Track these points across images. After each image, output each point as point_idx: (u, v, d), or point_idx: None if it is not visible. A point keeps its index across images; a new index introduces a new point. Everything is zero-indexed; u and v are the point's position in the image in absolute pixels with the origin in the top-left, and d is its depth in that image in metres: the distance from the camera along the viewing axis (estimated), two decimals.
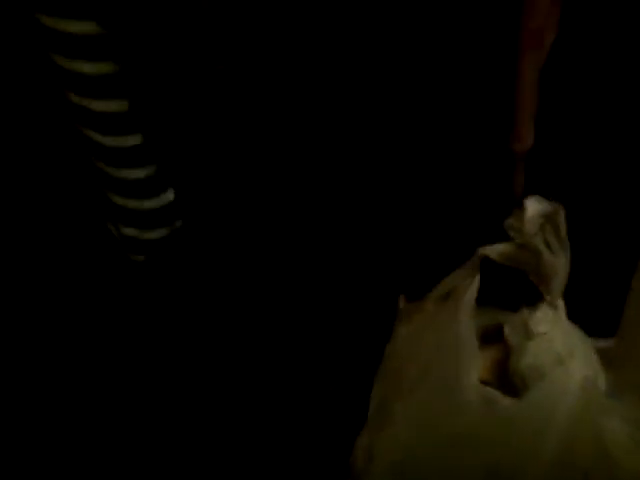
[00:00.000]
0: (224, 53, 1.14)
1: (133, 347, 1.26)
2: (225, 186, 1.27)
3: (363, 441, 1.00)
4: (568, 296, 0.95)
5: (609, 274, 1.08)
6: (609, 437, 0.90)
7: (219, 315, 1.27)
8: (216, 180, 1.27)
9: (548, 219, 0.94)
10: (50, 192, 1.34)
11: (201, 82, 1.17)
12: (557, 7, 0.96)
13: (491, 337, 0.98)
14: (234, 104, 1.19)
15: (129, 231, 1.32)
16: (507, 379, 0.95)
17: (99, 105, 1.19)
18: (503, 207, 0.95)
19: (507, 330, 0.97)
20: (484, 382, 0.94)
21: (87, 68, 1.16)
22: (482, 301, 0.97)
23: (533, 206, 0.95)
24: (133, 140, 1.23)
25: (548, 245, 0.94)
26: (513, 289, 0.98)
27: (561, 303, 0.95)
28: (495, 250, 0.96)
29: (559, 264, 0.94)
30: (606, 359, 0.94)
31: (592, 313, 0.97)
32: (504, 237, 0.96)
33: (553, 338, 0.94)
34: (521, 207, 0.95)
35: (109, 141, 1.22)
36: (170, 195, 1.30)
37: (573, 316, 0.96)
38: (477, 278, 0.96)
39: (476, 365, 0.93)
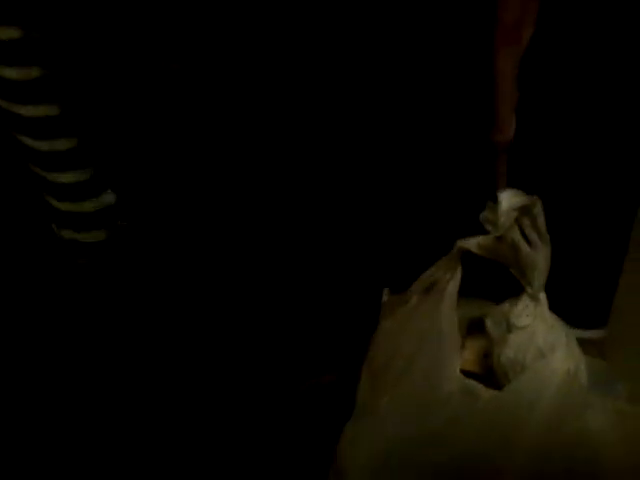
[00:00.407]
0: (178, 52, 1.13)
1: (74, 350, 1.25)
2: (167, 187, 1.26)
3: (349, 431, 1.00)
4: (552, 288, 0.96)
5: (593, 266, 1.09)
6: (591, 430, 0.92)
7: (166, 317, 1.27)
8: (158, 181, 1.26)
9: (524, 212, 0.96)
10: None
11: (145, 81, 1.16)
12: (534, 2, 0.97)
13: (476, 328, 0.99)
14: (185, 103, 1.18)
15: (67, 233, 1.31)
16: (491, 371, 0.96)
17: (28, 110, 1.19)
18: (486, 199, 0.95)
19: (489, 323, 0.98)
20: (469, 373, 0.95)
21: (12, 73, 1.15)
22: (468, 292, 0.98)
23: (508, 199, 0.96)
24: (67, 144, 1.22)
25: (526, 238, 0.95)
26: (498, 280, 0.99)
27: (543, 296, 0.96)
28: (474, 243, 0.97)
29: (538, 257, 0.95)
30: (594, 349, 0.94)
31: (577, 305, 0.98)
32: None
33: (534, 331, 0.95)
34: (495, 200, 0.95)
35: (42, 145, 1.22)
36: (109, 197, 1.29)
37: (556, 308, 0.96)
38: (459, 270, 0.97)
39: (458, 357, 0.94)
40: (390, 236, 1.21)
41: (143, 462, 1.15)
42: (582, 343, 0.96)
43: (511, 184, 0.99)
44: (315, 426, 1.15)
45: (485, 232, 0.96)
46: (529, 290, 0.96)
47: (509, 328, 0.95)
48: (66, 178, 1.24)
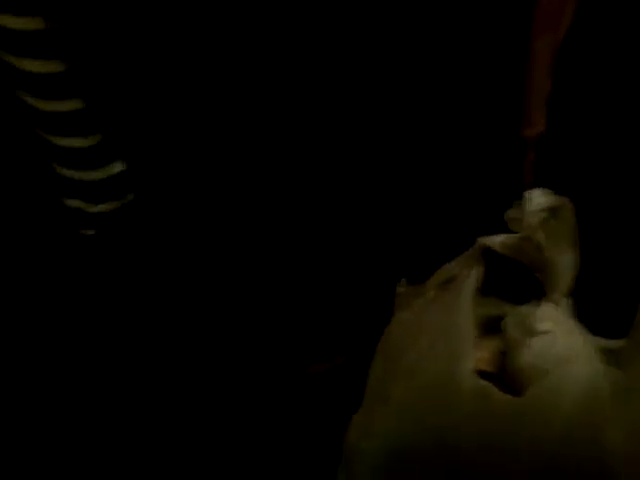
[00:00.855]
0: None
1: (80, 325, 1.24)
2: (178, 159, 1.24)
3: (358, 421, 0.99)
4: (580, 294, 0.95)
5: (623, 273, 1.07)
6: (608, 442, 0.90)
7: (173, 294, 1.25)
8: (169, 151, 1.24)
9: (553, 213, 0.94)
10: None
11: (155, 43, 1.14)
12: None
13: (495, 328, 0.97)
14: (193, 64, 1.16)
15: (74, 203, 1.28)
16: (506, 373, 0.94)
17: (33, 65, 1.15)
18: (512, 197, 0.93)
19: (507, 324, 0.96)
20: (483, 373, 0.94)
21: (15, 24, 1.12)
22: (487, 291, 0.97)
23: (536, 199, 0.94)
24: (72, 105, 1.19)
25: (552, 240, 0.93)
26: (520, 281, 0.98)
27: (565, 301, 0.94)
28: (497, 241, 0.95)
29: (564, 261, 0.94)
30: (615, 359, 0.92)
31: (604, 312, 0.95)
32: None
33: (555, 337, 0.93)
34: (523, 199, 0.93)
35: (45, 105, 1.18)
36: (118, 166, 1.26)
37: (583, 315, 0.95)
38: (479, 267, 0.96)
39: (473, 355, 0.93)
40: (411, 227, 1.20)
41: (144, 452, 1.15)
42: (602, 352, 0.93)
43: (538, 183, 0.96)
44: (323, 411, 1.15)
45: (509, 231, 0.94)
46: (552, 295, 0.94)
47: (529, 331, 0.93)
48: (72, 143, 1.21)
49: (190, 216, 1.25)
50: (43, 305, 1.26)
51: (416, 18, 1.04)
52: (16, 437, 1.17)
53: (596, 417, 0.90)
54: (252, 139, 1.19)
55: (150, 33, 1.12)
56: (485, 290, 0.96)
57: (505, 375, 0.94)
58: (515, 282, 0.98)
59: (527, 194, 0.93)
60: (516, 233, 0.94)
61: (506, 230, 0.95)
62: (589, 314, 0.95)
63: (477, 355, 0.94)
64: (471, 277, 0.95)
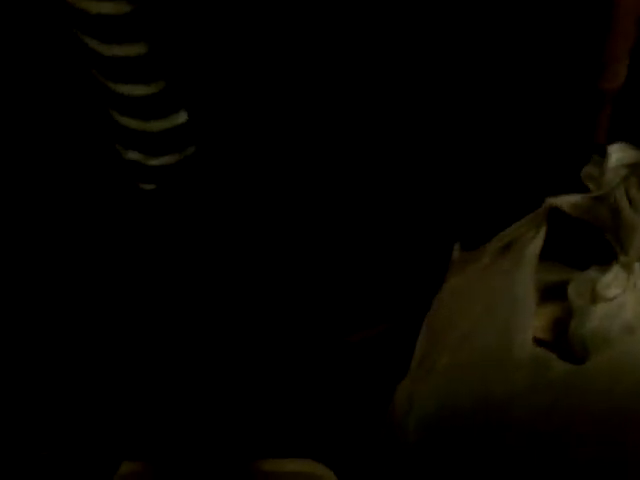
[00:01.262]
0: None
1: (137, 287, 1.24)
2: (245, 110, 1.20)
3: (403, 390, 0.97)
4: None
5: None
6: None
7: (231, 255, 1.24)
8: (235, 102, 1.20)
9: (633, 170, 0.89)
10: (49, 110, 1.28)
11: None
12: None
13: (553, 294, 0.94)
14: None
15: (133, 155, 1.26)
16: (566, 341, 0.91)
17: (99, 6, 1.12)
18: (583, 154, 0.89)
19: (571, 290, 0.92)
20: (539, 341, 0.91)
21: None
22: (547, 256, 0.93)
23: (617, 154, 0.91)
24: (136, 49, 1.16)
25: (630, 200, 0.89)
26: (584, 246, 0.94)
27: (638, 266, 0.88)
28: (567, 201, 0.92)
29: None
30: None
31: None
32: (581, 188, 0.92)
33: (624, 303, 0.89)
34: (602, 154, 0.89)
35: (108, 49, 1.16)
36: (181, 117, 1.23)
37: None
38: (543, 230, 0.92)
39: (531, 323, 0.90)
40: (469, 187, 1.16)
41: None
42: None
43: (615, 139, 0.92)
44: (362, 380, 1.13)
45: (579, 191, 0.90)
46: (623, 258, 0.89)
47: (594, 298, 0.89)
48: (134, 90, 1.19)
49: (253, 169, 1.23)
50: (98, 266, 1.26)
51: None
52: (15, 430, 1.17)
53: None
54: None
55: None
56: (543, 254, 0.92)
57: (564, 343, 0.91)
58: (578, 246, 0.94)
59: (609, 148, 0.90)
60: (588, 192, 0.91)
61: (575, 190, 0.91)
62: None
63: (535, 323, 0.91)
64: (535, 242, 0.92)
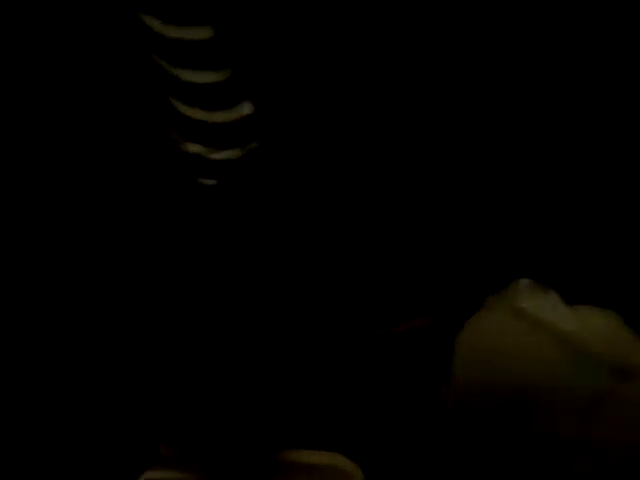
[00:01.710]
0: None
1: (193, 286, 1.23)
2: (313, 103, 1.20)
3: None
4: None
5: None
6: None
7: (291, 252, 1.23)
8: (304, 93, 1.19)
9: None
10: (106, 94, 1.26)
11: None
12: None
13: None
14: None
15: (194, 148, 1.25)
16: None
17: None
18: None
19: None
20: None
21: None
22: None
23: None
24: (202, 33, 1.16)
25: None
26: None
27: None
28: None
29: None
30: None
31: None
32: None
33: None
34: None
35: (174, 32, 1.15)
36: (246, 108, 1.21)
37: None
38: None
39: None
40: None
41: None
42: None
43: None
44: (407, 372, 1.14)
45: None
46: None
47: None
48: (199, 77, 1.18)
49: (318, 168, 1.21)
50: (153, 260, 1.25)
51: None
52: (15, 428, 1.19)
53: None
54: None
55: None
56: None
57: None
58: None
59: None
60: None
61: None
62: None
63: None
64: None
